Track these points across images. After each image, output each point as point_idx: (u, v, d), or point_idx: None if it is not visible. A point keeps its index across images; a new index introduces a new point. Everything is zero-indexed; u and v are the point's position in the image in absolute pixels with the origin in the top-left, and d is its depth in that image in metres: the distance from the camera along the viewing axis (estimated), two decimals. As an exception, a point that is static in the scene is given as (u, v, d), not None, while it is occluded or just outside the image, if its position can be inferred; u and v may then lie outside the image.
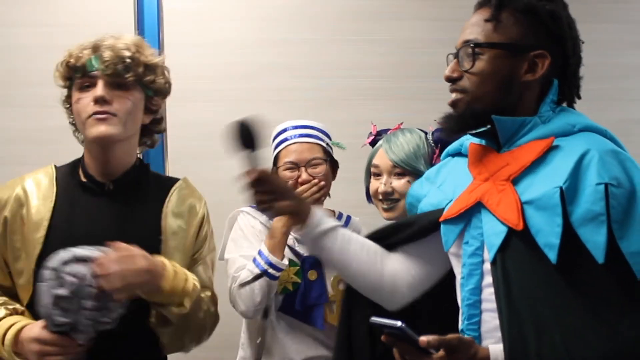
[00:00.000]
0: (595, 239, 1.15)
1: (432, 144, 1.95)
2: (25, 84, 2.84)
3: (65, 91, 1.69)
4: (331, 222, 1.53)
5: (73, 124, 1.71)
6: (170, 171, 2.83)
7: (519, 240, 1.23)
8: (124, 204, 1.65)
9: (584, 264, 1.15)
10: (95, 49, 1.61)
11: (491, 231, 1.28)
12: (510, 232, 1.23)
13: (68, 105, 1.69)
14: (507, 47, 1.32)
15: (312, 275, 2.12)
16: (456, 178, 1.44)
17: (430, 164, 1.95)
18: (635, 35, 3.12)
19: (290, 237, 2.15)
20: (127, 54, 1.60)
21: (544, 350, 1.16)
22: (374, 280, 1.52)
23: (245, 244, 2.12)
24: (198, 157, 2.88)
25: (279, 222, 2.03)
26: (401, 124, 2.04)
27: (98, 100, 1.58)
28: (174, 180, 1.77)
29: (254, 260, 2.03)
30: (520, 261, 1.22)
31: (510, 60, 1.33)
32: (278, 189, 1.45)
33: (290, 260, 2.11)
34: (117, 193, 1.65)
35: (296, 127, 2.18)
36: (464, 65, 1.34)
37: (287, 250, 2.12)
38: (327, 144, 2.19)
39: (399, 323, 1.16)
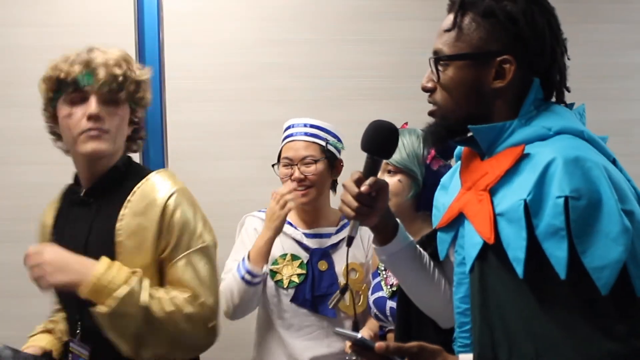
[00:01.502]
0: (557, 254, 1.11)
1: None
2: (25, 84, 2.81)
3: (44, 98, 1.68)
4: (410, 239, 1.52)
5: (53, 132, 1.73)
6: (170, 171, 2.83)
7: (492, 253, 1.20)
8: (95, 209, 1.66)
9: (553, 277, 1.12)
10: (87, 64, 1.59)
11: (470, 242, 1.26)
12: (486, 245, 1.20)
13: (49, 115, 1.68)
14: (470, 57, 1.26)
15: (322, 265, 2.17)
16: (455, 184, 1.42)
17: (424, 164, 1.94)
18: (636, 35, 3.12)
19: (298, 231, 2.21)
20: (120, 71, 1.61)
21: None
22: (427, 302, 1.57)
23: (241, 248, 2.20)
24: (198, 157, 2.88)
25: (266, 231, 2.09)
26: (406, 123, 2.04)
27: (92, 117, 1.58)
28: (142, 177, 1.68)
29: (238, 266, 2.10)
30: (495, 272, 1.20)
31: (476, 70, 1.26)
32: (379, 205, 1.40)
33: (293, 255, 2.16)
34: (91, 199, 1.67)
35: (300, 125, 2.22)
36: (433, 76, 1.31)
37: (293, 243, 2.19)
38: (327, 142, 2.20)
39: (358, 335, 1.22)
